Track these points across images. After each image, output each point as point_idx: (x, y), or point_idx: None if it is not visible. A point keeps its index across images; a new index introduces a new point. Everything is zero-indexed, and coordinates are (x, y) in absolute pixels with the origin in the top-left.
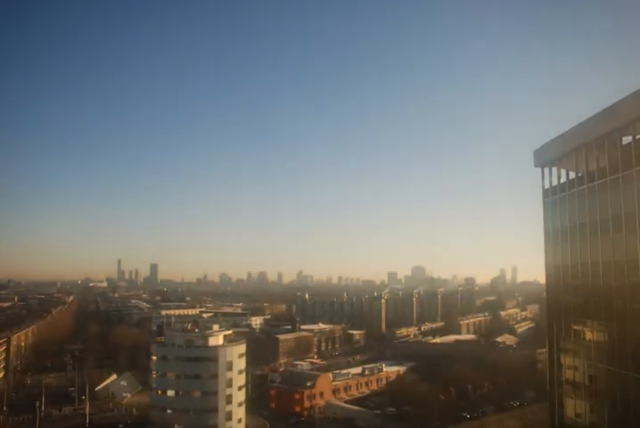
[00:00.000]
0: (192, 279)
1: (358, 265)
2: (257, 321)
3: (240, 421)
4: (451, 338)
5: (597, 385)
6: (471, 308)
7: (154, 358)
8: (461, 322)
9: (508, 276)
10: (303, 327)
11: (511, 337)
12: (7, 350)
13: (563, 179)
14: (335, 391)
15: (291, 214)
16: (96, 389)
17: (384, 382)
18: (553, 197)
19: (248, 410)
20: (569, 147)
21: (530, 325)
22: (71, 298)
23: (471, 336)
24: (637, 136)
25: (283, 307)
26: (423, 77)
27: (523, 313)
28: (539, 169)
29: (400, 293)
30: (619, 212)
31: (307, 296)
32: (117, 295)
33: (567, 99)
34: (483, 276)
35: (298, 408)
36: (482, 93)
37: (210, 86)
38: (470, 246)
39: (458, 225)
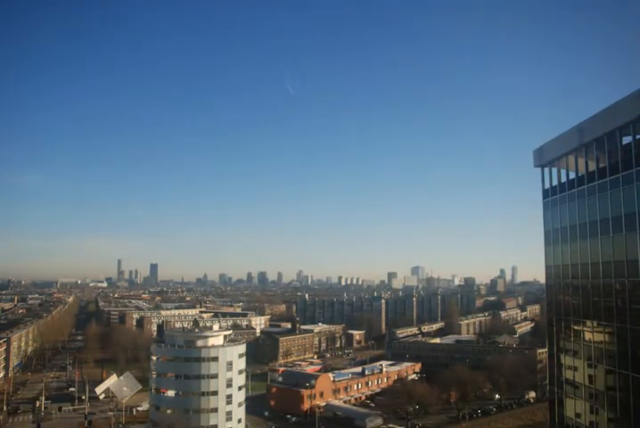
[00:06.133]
0: (192, 279)
1: (358, 265)
2: (257, 321)
3: (240, 421)
4: (451, 338)
5: (597, 385)
6: (471, 308)
7: (154, 357)
8: (461, 322)
9: (508, 276)
10: (303, 327)
11: (511, 337)
12: (7, 350)
13: (563, 179)
14: (335, 391)
15: (291, 214)
16: (96, 388)
17: (384, 382)
18: (552, 197)
19: (248, 410)
20: (569, 147)
21: (530, 325)
22: (71, 298)
23: (471, 336)
24: (637, 136)
25: (282, 307)
26: (424, 76)
27: (523, 313)
28: (539, 169)
29: (400, 293)
30: (619, 212)
31: (307, 296)
32: (117, 295)
33: (567, 99)
34: (483, 276)
35: (298, 408)
36: (482, 92)
37: (212, 83)
38: (470, 246)
39: (458, 225)
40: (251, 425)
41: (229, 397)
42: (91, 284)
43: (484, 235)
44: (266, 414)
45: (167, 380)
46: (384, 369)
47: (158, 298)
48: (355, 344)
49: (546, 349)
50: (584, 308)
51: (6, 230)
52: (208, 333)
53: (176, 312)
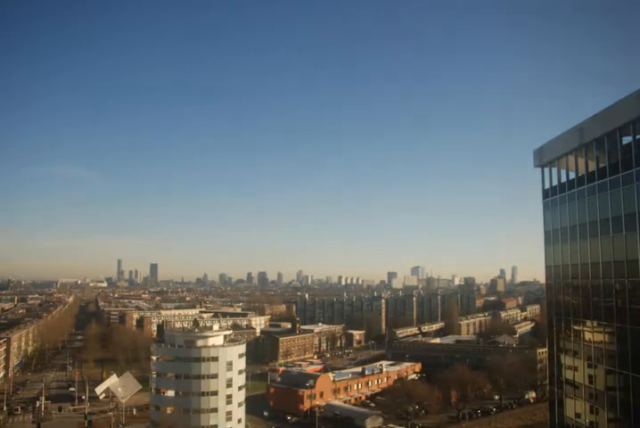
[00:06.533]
0: (192, 279)
1: (358, 265)
2: (257, 321)
3: (240, 421)
4: (451, 338)
5: (597, 385)
6: (471, 308)
7: (154, 357)
8: (461, 322)
9: (508, 276)
10: (303, 327)
11: (511, 337)
12: (7, 350)
13: (563, 179)
14: (335, 391)
15: (291, 214)
16: (96, 388)
17: (384, 382)
18: (552, 197)
19: (247, 410)
20: (569, 147)
21: (530, 325)
22: (71, 298)
23: (471, 336)
24: (637, 136)
25: (282, 307)
26: (424, 75)
27: (523, 313)
28: (539, 169)
29: (400, 293)
30: (619, 212)
31: (307, 296)
32: (117, 295)
33: (567, 99)
34: (483, 276)
35: (298, 408)
36: (482, 93)
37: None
38: (470, 246)
39: (458, 225)
40: (251, 425)
41: (229, 397)
42: (91, 284)
43: (484, 235)
44: (266, 414)
45: (167, 380)
46: (384, 369)
47: (158, 298)
48: (355, 344)
49: (546, 349)
50: (584, 308)
51: (6, 230)
52: (208, 333)
53: (176, 312)
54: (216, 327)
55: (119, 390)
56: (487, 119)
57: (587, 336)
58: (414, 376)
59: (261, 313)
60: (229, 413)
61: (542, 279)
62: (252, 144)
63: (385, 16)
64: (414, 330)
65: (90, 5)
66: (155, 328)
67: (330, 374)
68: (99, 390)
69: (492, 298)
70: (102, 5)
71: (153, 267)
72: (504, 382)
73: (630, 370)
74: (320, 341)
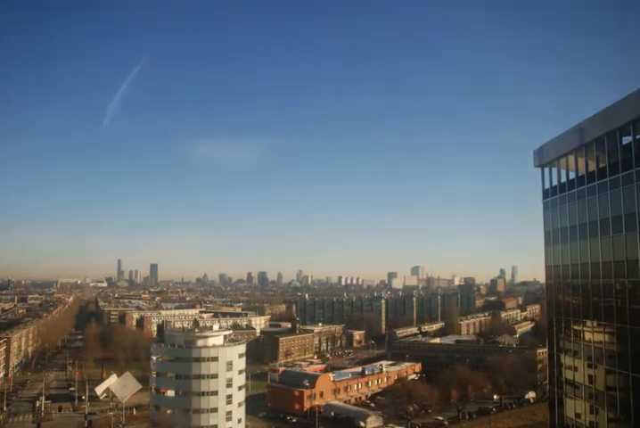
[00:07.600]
0: (192, 279)
1: (358, 265)
2: (257, 321)
3: (240, 421)
4: (451, 338)
5: (597, 385)
6: (471, 308)
7: (154, 357)
8: (461, 322)
9: (508, 276)
10: (303, 327)
11: (511, 337)
12: (7, 350)
13: (563, 179)
14: (335, 391)
15: (290, 214)
16: (96, 388)
17: (384, 382)
18: (552, 197)
19: (247, 410)
20: (569, 147)
21: (530, 325)
22: (71, 298)
23: (471, 336)
24: (637, 136)
25: (282, 307)
26: (423, 74)
27: (523, 313)
28: (539, 169)
29: (400, 293)
30: (619, 212)
31: (307, 296)
32: (117, 295)
33: (567, 99)
34: (483, 276)
35: (298, 408)
36: (482, 92)
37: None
38: (470, 246)
39: (458, 225)
40: (251, 425)
41: (229, 397)
42: (91, 284)
43: (484, 235)
44: (266, 414)
45: (167, 380)
46: (384, 369)
47: (158, 298)
48: (355, 344)
49: (546, 349)
50: (584, 308)
51: (7, 230)
52: (208, 333)
53: (176, 312)
54: (216, 327)
55: (119, 390)
56: (487, 118)
57: (587, 336)
58: (414, 376)
59: (261, 313)
60: (229, 413)
61: (542, 279)
62: (251, 145)
63: (382, 15)
64: (414, 330)
65: None
66: (155, 328)
67: (330, 374)
68: (99, 390)
69: (492, 298)
70: None
71: (153, 267)
72: (504, 382)
73: (630, 370)
74: (320, 341)
